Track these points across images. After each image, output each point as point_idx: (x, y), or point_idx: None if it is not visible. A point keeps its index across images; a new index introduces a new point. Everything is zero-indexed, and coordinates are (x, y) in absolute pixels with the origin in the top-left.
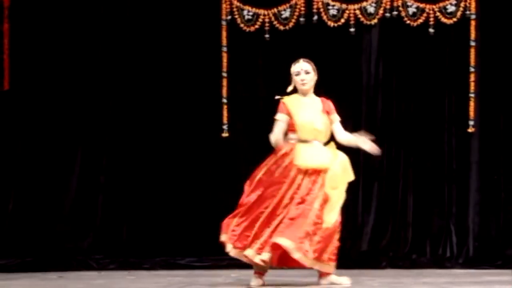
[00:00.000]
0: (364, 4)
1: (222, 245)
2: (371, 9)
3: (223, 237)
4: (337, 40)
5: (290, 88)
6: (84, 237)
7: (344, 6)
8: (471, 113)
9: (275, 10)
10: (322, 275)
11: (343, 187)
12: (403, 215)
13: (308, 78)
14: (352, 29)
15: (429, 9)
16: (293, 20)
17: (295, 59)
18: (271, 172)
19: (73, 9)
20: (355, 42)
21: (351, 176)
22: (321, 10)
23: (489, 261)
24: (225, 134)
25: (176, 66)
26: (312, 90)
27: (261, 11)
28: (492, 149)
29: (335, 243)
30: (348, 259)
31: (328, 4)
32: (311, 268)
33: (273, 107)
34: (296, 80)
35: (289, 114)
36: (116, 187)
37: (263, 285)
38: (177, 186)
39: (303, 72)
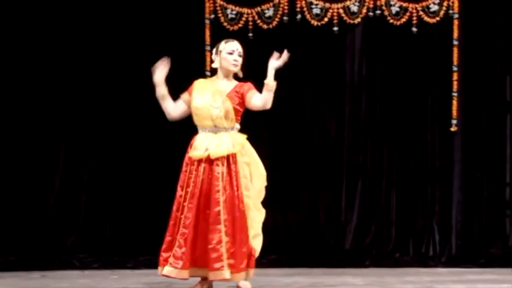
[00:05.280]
0: (348, 3)
1: None
2: (354, 8)
3: None
4: (320, 39)
5: (215, 65)
6: (68, 235)
7: (327, 5)
8: (454, 112)
9: (259, 9)
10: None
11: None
12: (387, 214)
13: (240, 61)
14: (335, 28)
15: (412, 8)
16: (277, 19)
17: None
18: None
19: (55, 7)
20: (338, 41)
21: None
22: (305, 9)
23: (472, 260)
24: None
25: None
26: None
27: (245, 10)
28: (475, 148)
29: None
30: (331, 257)
31: (311, 3)
32: None
33: None
34: (228, 59)
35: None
36: (99, 186)
37: None
38: (161, 184)
39: (237, 53)
